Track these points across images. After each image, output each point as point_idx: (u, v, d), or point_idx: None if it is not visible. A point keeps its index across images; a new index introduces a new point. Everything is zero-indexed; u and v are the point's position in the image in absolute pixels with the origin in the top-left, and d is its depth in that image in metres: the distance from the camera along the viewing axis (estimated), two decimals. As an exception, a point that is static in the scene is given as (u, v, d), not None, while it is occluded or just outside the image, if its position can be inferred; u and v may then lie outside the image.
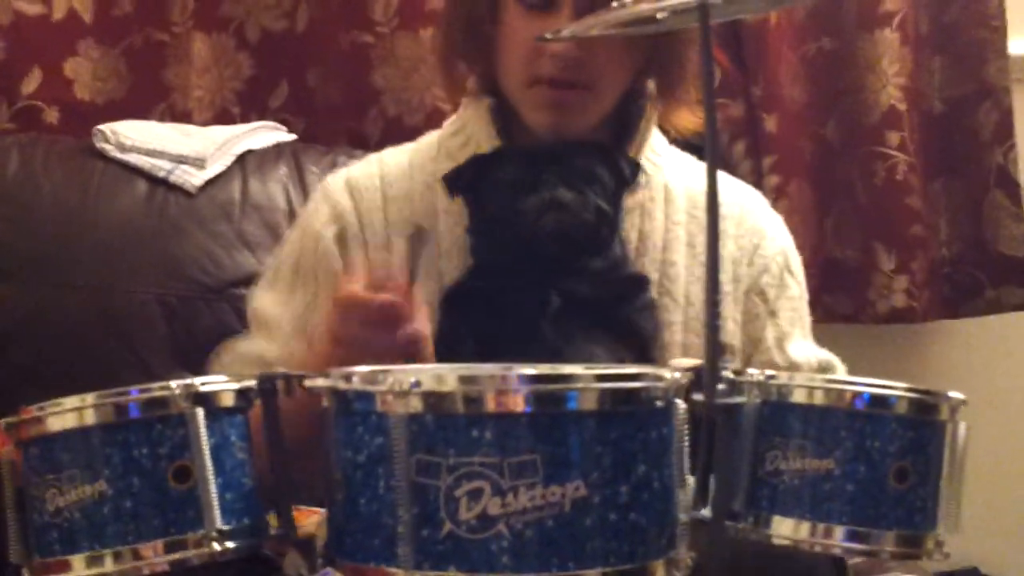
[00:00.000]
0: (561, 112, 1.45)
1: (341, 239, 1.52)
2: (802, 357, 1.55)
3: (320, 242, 1.52)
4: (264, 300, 1.56)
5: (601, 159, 1.44)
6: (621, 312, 1.43)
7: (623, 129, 1.54)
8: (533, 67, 1.44)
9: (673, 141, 1.61)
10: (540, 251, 1.39)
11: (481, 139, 1.52)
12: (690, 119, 1.56)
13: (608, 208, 1.41)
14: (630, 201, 1.52)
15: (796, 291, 1.58)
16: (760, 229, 1.57)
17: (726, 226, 1.52)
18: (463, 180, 1.46)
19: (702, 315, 1.51)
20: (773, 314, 1.55)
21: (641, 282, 1.47)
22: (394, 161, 1.58)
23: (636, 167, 1.48)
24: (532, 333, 1.37)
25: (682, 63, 1.52)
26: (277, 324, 1.52)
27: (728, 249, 1.52)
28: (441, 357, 1.32)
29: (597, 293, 1.41)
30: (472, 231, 1.47)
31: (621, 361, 1.38)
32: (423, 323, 1.28)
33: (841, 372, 1.57)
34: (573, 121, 1.46)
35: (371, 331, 1.24)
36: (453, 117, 1.59)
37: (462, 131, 1.55)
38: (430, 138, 1.60)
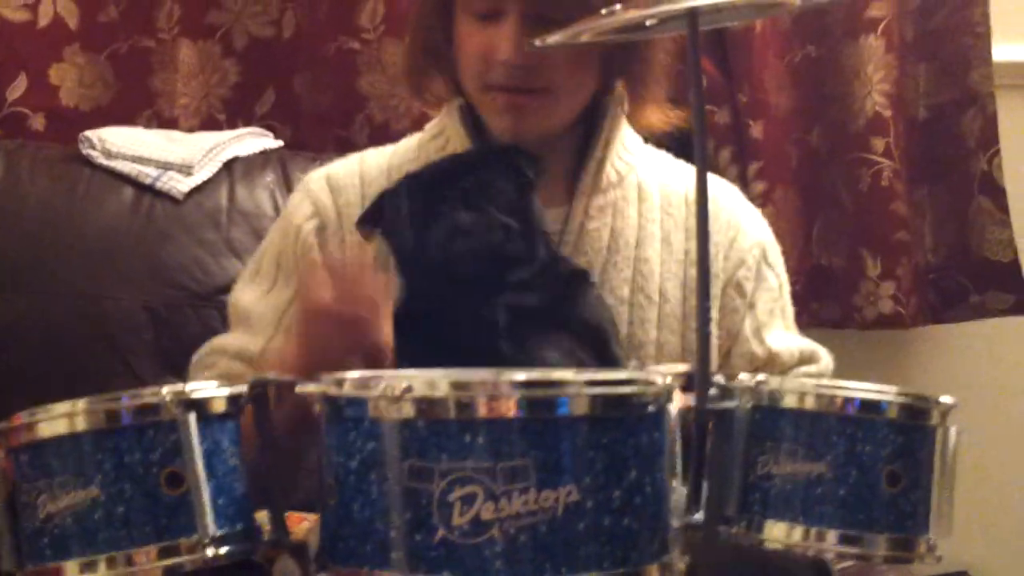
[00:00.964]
0: (519, 116, 1.46)
1: (321, 233, 1.53)
2: (783, 346, 1.54)
3: (300, 236, 1.53)
4: (244, 295, 1.56)
5: (499, 168, 1.41)
6: (570, 312, 1.41)
7: (592, 128, 1.54)
8: (484, 75, 1.45)
9: (648, 139, 1.61)
10: (459, 275, 1.36)
11: (457, 142, 1.52)
12: (659, 118, 1.56)
13: (513, 219, 1.38)
14: (601, 200, 1.52)
15: (775, 282, 1.57)
16: (735, 223, 1.57)
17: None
18: (371, 222, 1.43)
19: (678, 312, 1.51)
20: (751, 306, 1.54)
21: (581, 276, 1.45)
22: (375, 162, 1.58)
23: (537, 164, 1.43)
24: (490, 349, 1.34)
25: (647, 63, 1.52)
26: (258, 318, 1.53)
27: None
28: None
29: (538, 299, 1.39)
30: (398, 265, 1.43)
31: (579, 361, 1.37)
32: (388, 331, 1.30)
33: (826, 361, 1.57)
34: (533, 124, 1.47)
35: (339, 341, 1.27)
36: (433, 121, 1.59)
37: (442, 134, 1.55)
38: (410, 141, 1.61)
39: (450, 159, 1.48)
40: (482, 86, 1.46)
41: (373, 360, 1.29)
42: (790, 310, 1.60)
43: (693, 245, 1.51)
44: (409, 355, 1.32)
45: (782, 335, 1.56)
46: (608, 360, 1.40)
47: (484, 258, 1.36)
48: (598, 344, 1.41)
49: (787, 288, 1.60)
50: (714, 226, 1.53)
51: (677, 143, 1.60)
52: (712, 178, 1.60)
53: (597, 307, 1.45)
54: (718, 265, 1.52)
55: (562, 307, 1.41)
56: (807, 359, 1.55)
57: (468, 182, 1.38)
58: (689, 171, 1.55)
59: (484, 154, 1.46)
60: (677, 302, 1.51)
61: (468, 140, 1.51)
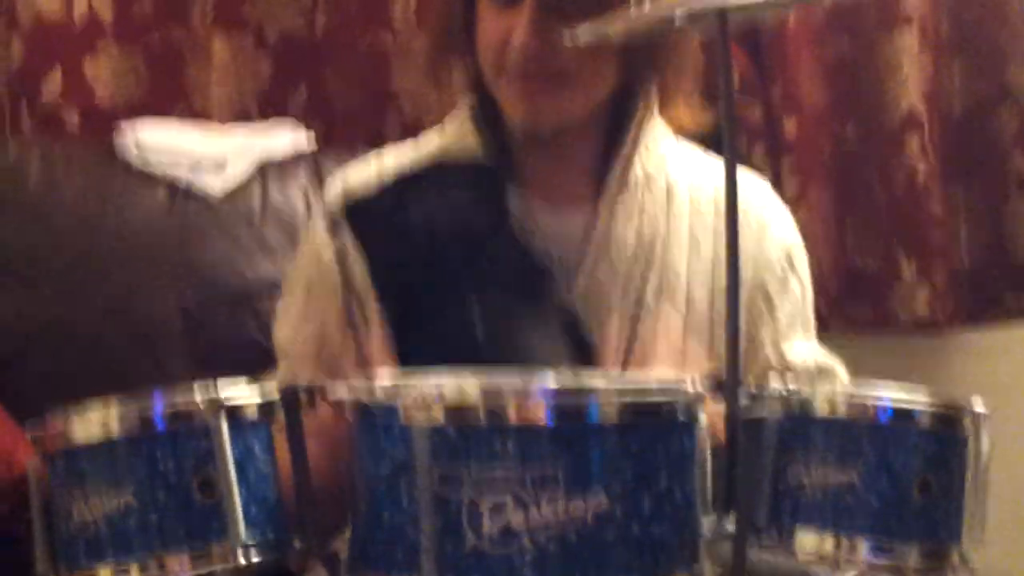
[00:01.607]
0: (533, 103, 1.45)
1: (340, 255, 1.52)
2: (799, 359, 1.52)
3: (321, 262, 1.52)
4: (281, 332, 1.56)
5: (473, 175, 1.46)
6: (539, 301, 1.42)
7: (617, 127, 1.52)
8: (500, 61, 1.44)
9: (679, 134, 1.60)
10: (442, 255, 1.39)
11: (466, 139, 1.52)
12: (687, 115, 1.54)
13: (492, 211, 1.42)
14: (629, 200, 1.50)
15: (798, 290, 1.55)
16: (763, 223, 1.54)
17: None
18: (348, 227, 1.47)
19: (705, 318, 1.48)
20: (772, 313, 1.52)
21: (546, 271, 1.45)
22: (393, 163, 1.58)
23: (503, 175, 1.48)
24: (468, 340, 1.36)
25: (676, 59, 1.50)
26: (298, 354, 1.52)
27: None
28: None
29: (510, 290, 1.41)
30: (374, 278, 1.46)
31: (557, 351, 1.38)
32: None
33: (842, 378, 1.54)
34: (548, 111, 1.45)
35: None
36: (452, 114, 1.59)
37: (460, 129, 1.55)
38: (430, 137, 1.60)
39: (421, 168, 1.49)
40: (498, 72, 1.46)
41: None
42: (811, 318, 1.57)
43: (722, 250, 1.48)
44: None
45: (801, 346, 1.54)
46: (584, 348, 1.41)
47: (466, 234, 1.39)
48: (570, 329, 1.42)
49: (810, 294, 1.57)
50: (742, 229, 1.50)
51: (711, 139, 1.58)
52: (741, 174, 1.59)
53: (562, 296, 1.45)
54: (746, 273, 1.49)
55: (531, 297, 1.42)
56: (822, 373, 1.53)
57: (448, 179, 1.43)
58: (720, 168, 1.54)
59: (457, 165, 1.48)
60: (705, 307, 1.48)
61: (477, 138, 1.51)
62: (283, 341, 1.55)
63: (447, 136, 1.57)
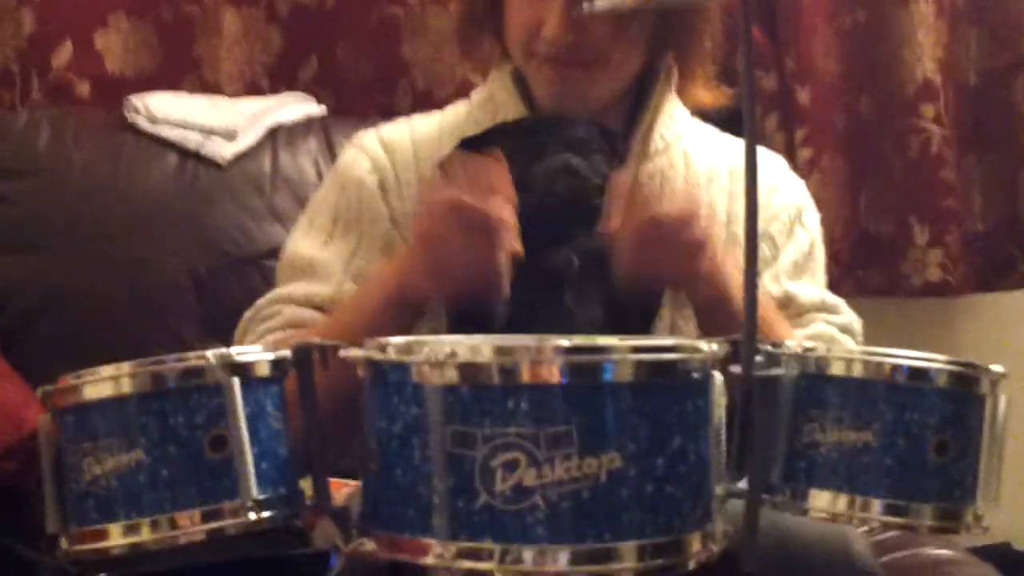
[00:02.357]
0: (567, 87, 1.45)
1: (383, 187, 1.51)
2: (803, 292, 1.52)
3: (363, 188, 1.50)
4: (303, 245, 1.51)
5: (597, 132, 1.43)
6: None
7: (638, 103, 1.53)
8: (530, 45, 1.45)
9: (695, 115, 1.60)
10: (552, 216, 1.38)
11: (507, 104, 1.51)
12: (706, 95, 1.55)
13: (607, 172, 1.41)
14: (649, 167, 1.51)
15: (805, 240, 1.55)
16: (774, 184, 1.56)
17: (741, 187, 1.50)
18: (476, 145, 1.44)
19: None
20: (776, 255, 1.52)
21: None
22: (424, 126, 1.57)
23: (626, 144, 1.47)
24: (557, 293, 1.35)
25: (694, 39, 1.51)
26: (323, 265, 1.47)
27: (740, 204, 1.50)
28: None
29: (603, 256, 1.39)
30: None
31: (622, 320, 1.37)
32: (511, 254, 1.27)
33: (850, 318, 1.54)
34: (579, 95, 1.46)
35: (464, 243, 1.23)
36: (481, 87, 1.58)
37: (491, 100, 1.54)
38: (458, 107, 1.60)
39: (546, 117, 1.47)
40: (528, 55, 1.46)
41: (486, 290, 1.27)
42: (821, 273, 1.58)
43: (736, 208, 1.49)
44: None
45: (807, 286, 1.54)
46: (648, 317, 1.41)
47: (581, 202, 1.38)
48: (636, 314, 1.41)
49: (821, 251, 1.58)
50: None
51: (725, 118, 1.59)
52: (759, 149, 1.59)
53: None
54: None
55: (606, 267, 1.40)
56: (829, 308, 1.53)
57: (573, 134, 1.40)
58: (736, 144, 1.55)
59: (580, 120, 1.45)
60: None
61: (521, 106, 1.50)
62: (302, 254, 1.50)
63: (482, 106, 1.55)
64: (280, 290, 1.50)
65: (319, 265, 1.48)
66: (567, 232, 1.40)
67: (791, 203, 1.56)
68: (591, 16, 1.35)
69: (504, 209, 1.28)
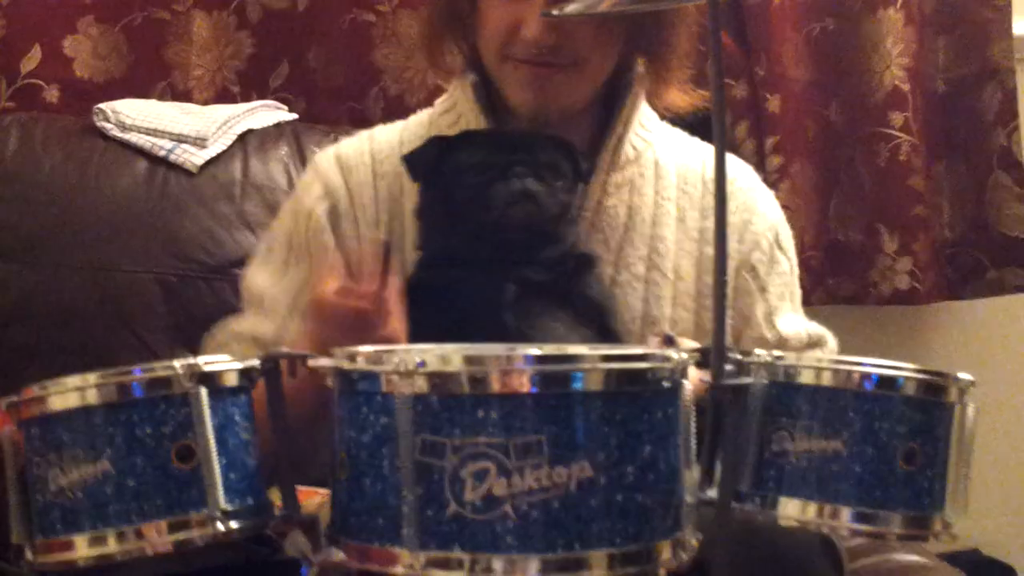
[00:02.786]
0: (541, 90, 1.45)
1: (333, 215, 1.52)
2: (792, 331, 1.54)
3: (312, 218, 1.52)
4: (257, 277, 1.55)
5: (564, 153, 1.43)
6: (574, 290, 1.43)
7: (611, 106, 1.53)
8: (506, 48, 1.45)
9: (664, 118, 1.60)
10: (502, 240, 1.39)
11: (470, 117, 1.51)
12: (681, 98, 1.56)
13: (569, 202, 1.43)
14: (619, 177, 1.52)
15: (786, 266, 1.57)
16: (750, 204, 1.56)
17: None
18: (424, 161, 1.44)
19: (692, 290, 1.51)
20: (763, 290, 1.54)
21: (588, 259, 1.47)
22: (384, 139, 1.57)
23: (591, 166, 1.48)
24: (494, 321, 1.36)
25: (670, 42, 1.51)
26: (271, 302, 1.51)
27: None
28: None
29: (551, 278, 1.41)
30: (424, 216, 1.46)
31: (582, 336, 1.38)
32: (398, 323, 1.28)
33: (832, 346, 1.57)
34: (555, 98, 1.46)
35: (344, 334, 1.22)
36: (444, 96, 1.58)
37: (453, 109, 1.54)
38: (421, 117, 1.60)
39: (519, 132, 1.47)
40: (503, 58, 1.45)
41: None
42: (798, 293, 1.60)
43: (708, 224, 1.51)
44: (414, 320, 1.32)
45: (791, 319, 1.56)
46: (609, 336, 1.42)
47: (534, 229, 1.40)
48: (599, 320, 1.42)
49: (796, 270, 1.60)
50: (729, 206, 1.51)
51: (694, 122, 1.59)
52: (730, 157, 1.60)
53: (598, 286, 1.46)
54: (732, 246, 1.52)
55: (566, 284, 1.42)
56: (815, 342, 1.56)
57: (539, 155, 1.40)
58: (706, 149, 1.56)
59: (551, 139, 1.45)
60: (691, 280, 1.51)
61: (482, 117, 1.50)
62: (255, 287, 1.54)
63: (444, 115, 1.55)
64: (233, 324, 1.55)
65: (267, 300, 1.51)
66: (516, 256, 1.40)
67: (768, 226, 1.57)
68: (571, 20, 1.36)
69: (373, 297, 1.26)
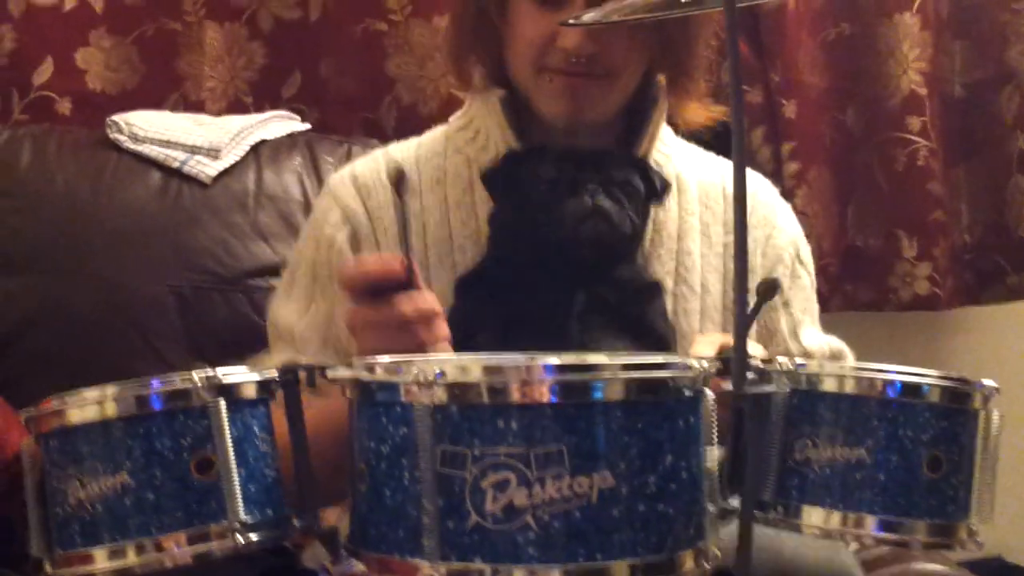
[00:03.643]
0: (576, 100, 1.44)
1: (354, 240, 1.51)
2: (815, 345, 1.55)
3: (333, 247, 1.51)
4: (283, 312, 1.53)
5: (637, 171, 1.45)
6: (641, 316, 1.44)
7: (634, 122, 1.52)
8: (542, 59, 1.44)
9: (679, 134, 1.60)
10: (572, 255, 1.41)
11: (492, 133, 1.50)
12: (700, 112, 1.55)
13: (640, 221, 1.44)
14: None
15: (807, 280, 1.58)
16: (771, 219, 1.57)
17: None
18: (500, 175, 1.46)
19: (719, 303, 1.51)
20: (787, 304, 1.55)
21: (657, 289, 1.48)
22: (400, 156, 1.56)
23: (666, 184, 1.49)
24: (559, 327, 1.37)
25: (692, 55, 1.51)
26: (302, 338, 1.49)
27: None
28: (459, 342, 1.30)
29: (619, 298, 1.43)
30: (497, 223, 1.46)
31: None
32: (433, 299, 1.25)
33: (850, 359, 1.58)
34: (589, 109, 1.45)
35: (382, 309, 1.21)
36: (460, 111, 1.57)
37: (470, 126, 1.53)
38: (436, 133, 1.59)
39: (593, 148, 1.47)
40: (538, 69, 1.44)
41: (428, 334, 1.24)
42: (816, 308, 1.61)
43: (731, 239, 1.50)
44: (469, 321, 1.32)
45: (813, 333, 1.57)
46: None
47: (605, 246, 1.41)
48: (657, 349, 1.42)
49: (815, 284, 1.61)
50: (751, 221, 1.52)
51: (710, 139, 1.59)
52: (747, 172, 1.59)
53: (664, 319, 1.47)
54: (755, 261, 1.53)
55: (632, 310, 1.43)
56: (835, 356, 1.56)
57: (612, 172, 1.42)
58: (724, 164, 1.56)
59: (625, 157, 1.47)
60: (718, 294, 1.51)
61: (509, 133, 1.49)
62: (283, 322, 1.52)
63: (461, 132, 1.54)
64: (265, 360, 1.50)
65: (298, 337, 1.50)
66: (587, 274, 1.42)
67: (789, 240, 1.57)
68: (607, 29, 1.36)
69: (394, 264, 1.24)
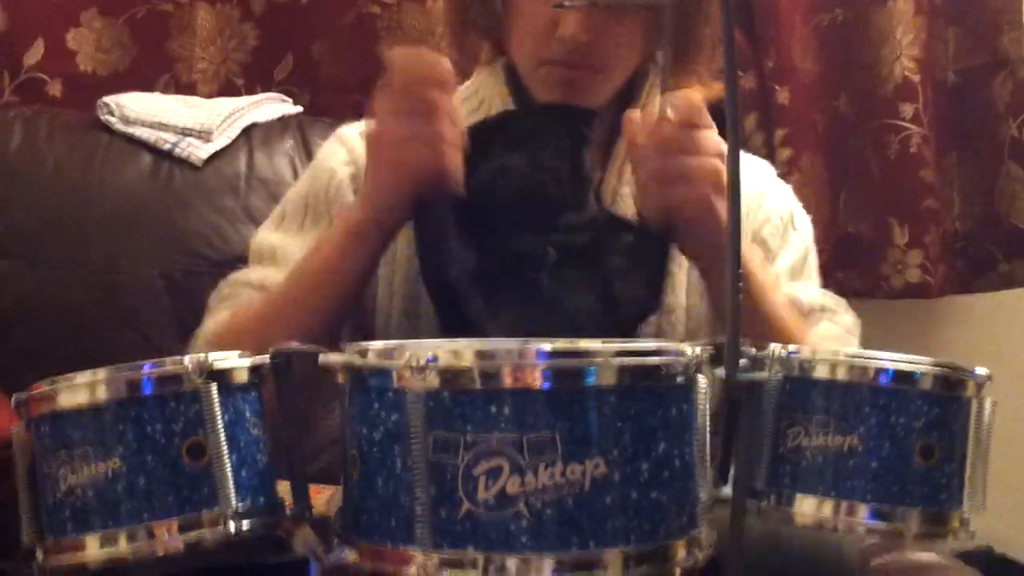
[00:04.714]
0: (571, 91, 1.44)
1: (355, 181, 1.50)
2: (804, 294, 1.52)
3: (334, 177, 1.51)
4: (269, 236, 1.52)
5: (552, 120, 1.41)
6: (602, 257, 1.39)
7: (627, 101, 1.51)
8: (542, 49, 1.43)
9: None
10: (507, 217, 1.37)
11: (494, 101, 1.50)
12: (700, 91, 1.54)
13: (563, 165, 1.39)
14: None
15: (800, 244, 1.57)
16: (762, 192, 1.57)
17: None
18: None
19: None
20: (773, 260, 1.53)
21: (618, 223, 1.44)
22: None
23: (591, 120, 1.44)
24: (533, 287, 1.35)
25: (694, 38, 1.50)
26: (283, 253, 1.48)
27: None
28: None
29: (590, 242, 1.38)
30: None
31: (616, 309, 1.36)
32: (458, 157, 1.28)
33: (854, 324, 1.55)
34: (583, 100, 1.44)
35: (414, 119, 1.24)
36: (467, 83, 1.57)
37: (475, 95, 1.53)
38: None
39: (504, 112, 1.47)
40: (538, 60, 1.44)
41: (441, 173, 1.28)
42: (815, 273, 1.59)
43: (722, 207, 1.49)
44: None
45: (804, 287, 1.55)
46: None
47: (529, 200, 1.37)
48: (620, 293, 1.39)
49: (814, 255, 1.59)
50: (743, 190, 1.50)
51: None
52: (746, 156, 1.59)
53: (626, 254, 1.41)
54: (744, 225, 1.50)
55: (596, 251, 1.39)
56: (831, 310, 1.54)
57: (519, 129, 1.39)
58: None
59: (540, 108, 1.44)
60: None
61: (509, 100, 1.49)
62: (268, 244, 1.51)
63: (467, 101, 1.54)
64: (239, 274, 1.51)
65: (279, 252, 1.49)
66: (534, 226, 1.38)
67: (783, 207, 1.57)
68: (606, 19, 1.36)
69: (439, 90, 1.28)
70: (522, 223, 1.37)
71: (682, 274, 1.50)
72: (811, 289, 1.56)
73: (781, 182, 1.63)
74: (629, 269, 1.40)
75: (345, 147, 1.54)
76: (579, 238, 1.38)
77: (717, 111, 1.50)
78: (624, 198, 1.50)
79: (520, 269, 1.35)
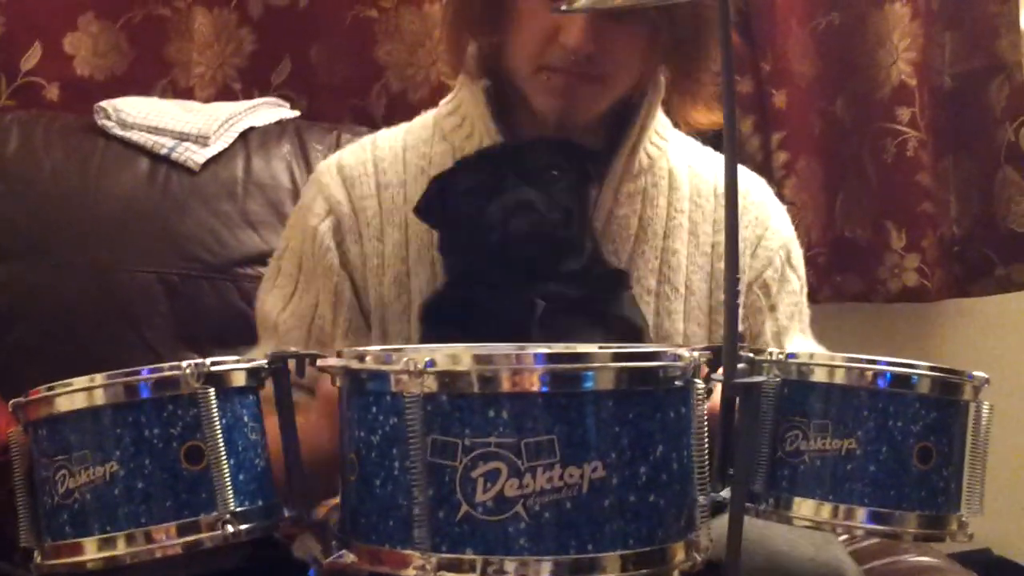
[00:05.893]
0: (570, 99, 1.43)
1: (337, 232, 1.50)
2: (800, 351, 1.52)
3: (316, 238, 1.50)
4: (268, 302, 1.53)
5: (562, 155, 1.39)
6: (607, 308, 1.39)
7: (626, 114, 1.51)
8: (542, 55, 1.41)
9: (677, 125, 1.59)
10: (514, 255, 1.35)
11: (477, 122, 1.49)
12: (705, 115, 1.53)
13: (573, 205, 1.38)
14: (631, 186, 1.50)
15: (796, 285, 1.56)
16: (763, 220, 1.55)
17: None
18: (430, 206, 1.42)
19: (704, 305, 1.50)
20: (773, 308, 1.53)
21: (621, 277, 1.44)
22: (387, 144, 1.55)
23: (598, 159, 1.45)
24: (522, 339, 1.33)
25: (701, 56, 1.49)
26: (286, 331, 1.50)
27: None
28: None
29: (580, 292, 1.36)
30: (443, 250, 1.44)
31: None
32: None
33: None
34: (582, 109, 1.44)
35: None
36: (449, 96, 1.56)
37: (457, 111, 1.52)
38: (425, 118, 1.58)
39: (510, 144, 1.45)
40: (537, 66, 1.42)
41: None
42: (807, 313, 1.59)
43: (721, 239, 1.49)
44: (438, 338, 1.30)
45: (799, 340, 1.55)
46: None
47: (541, 238, 1.34)
48: (630, 340, 1.38)
49: (805, 289, 1.59)
50: (743, 222, 1.51)
51: (712, 132, 1.57)
52: (743, 170, 1.58)
53: (631, 306, 1.43)
54: (744, 262, 1.51)
55: (598, 302, 1.38)
56: None
57: (533, 163, 1.36)
58: (718, 160, 1.54)
59: (547, 142, 1.42)
60: (703, 295, 1.50)
61: (491, 123, 1.47)
62: (269, 313, 1.52)
63: (449, 116, 1.53)
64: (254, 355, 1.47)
65: (282, 330, 1.50)
66: (536, 270, 1.36)
67: (781, 243, 1.55)
68: (609, 28, 1.35)
69: None
70: (521, 269, 1.35)
71: (679, 302, 1.49)
72: (804, 343, 1.56)
73: (777, 203, 1.60)
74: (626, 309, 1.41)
75: (322, 195, 1.52)
76: (570, 287, 1.36)
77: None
78: (620, 219, 1.48)
79: (511, 328, 1.32)
